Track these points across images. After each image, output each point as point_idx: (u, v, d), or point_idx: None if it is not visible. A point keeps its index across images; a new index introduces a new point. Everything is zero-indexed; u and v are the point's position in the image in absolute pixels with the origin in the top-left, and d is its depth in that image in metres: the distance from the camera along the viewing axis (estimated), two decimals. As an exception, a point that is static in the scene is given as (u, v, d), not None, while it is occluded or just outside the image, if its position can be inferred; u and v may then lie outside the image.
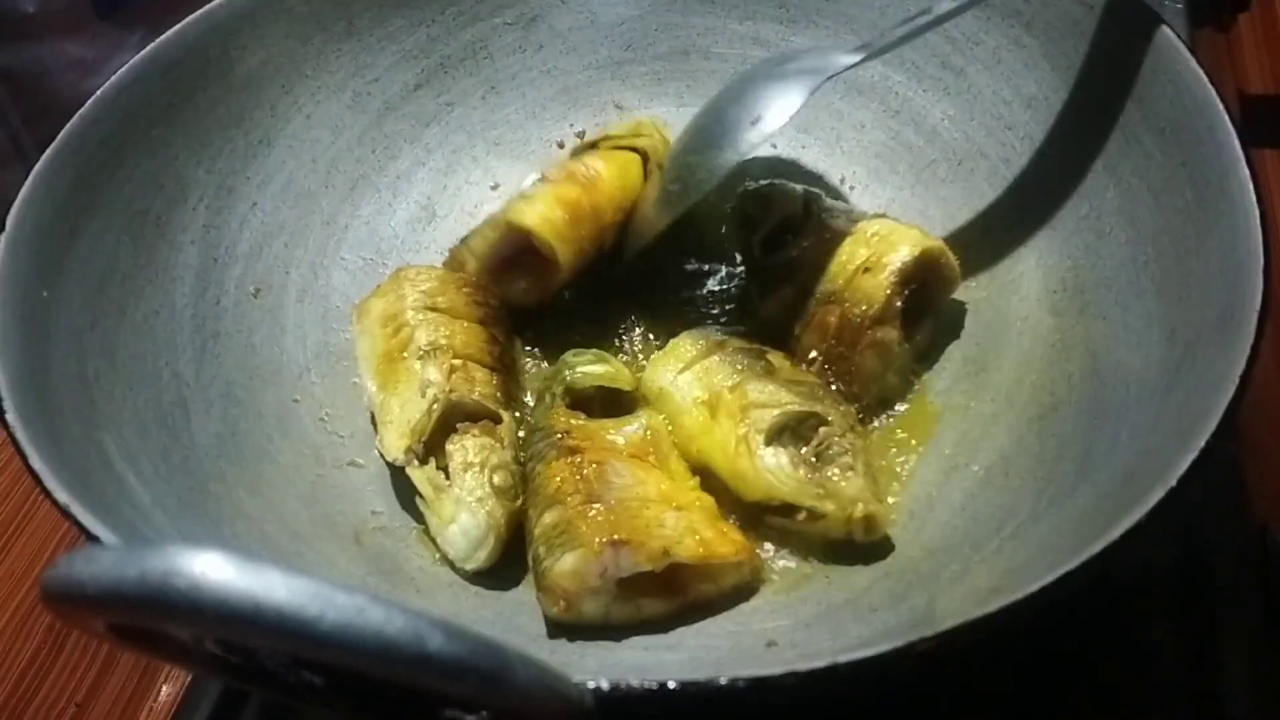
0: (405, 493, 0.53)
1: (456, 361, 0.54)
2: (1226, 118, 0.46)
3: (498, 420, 0.53)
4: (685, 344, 0.56)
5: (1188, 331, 0.44)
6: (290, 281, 0.60)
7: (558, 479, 0.49)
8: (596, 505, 0.47)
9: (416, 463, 0.51)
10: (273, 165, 0.61)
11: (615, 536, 0.45)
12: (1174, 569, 0.52)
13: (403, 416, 0.52)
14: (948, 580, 0.44)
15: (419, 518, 0.52)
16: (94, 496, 0.40)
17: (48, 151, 0.51)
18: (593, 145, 0.65)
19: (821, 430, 0.50)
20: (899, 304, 0.54)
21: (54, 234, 0.50)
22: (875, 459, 0.52)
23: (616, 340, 0.61)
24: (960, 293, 0.57)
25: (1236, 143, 0.45)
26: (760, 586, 0.48)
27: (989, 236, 0.58)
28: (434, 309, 0.56)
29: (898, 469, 0.52)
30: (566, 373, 0.56)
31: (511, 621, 0.48)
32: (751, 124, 0.53)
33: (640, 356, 0.60)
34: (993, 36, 0.58)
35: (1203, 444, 0.37)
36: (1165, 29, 0.50)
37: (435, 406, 0.51)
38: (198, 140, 0.58)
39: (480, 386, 0.53)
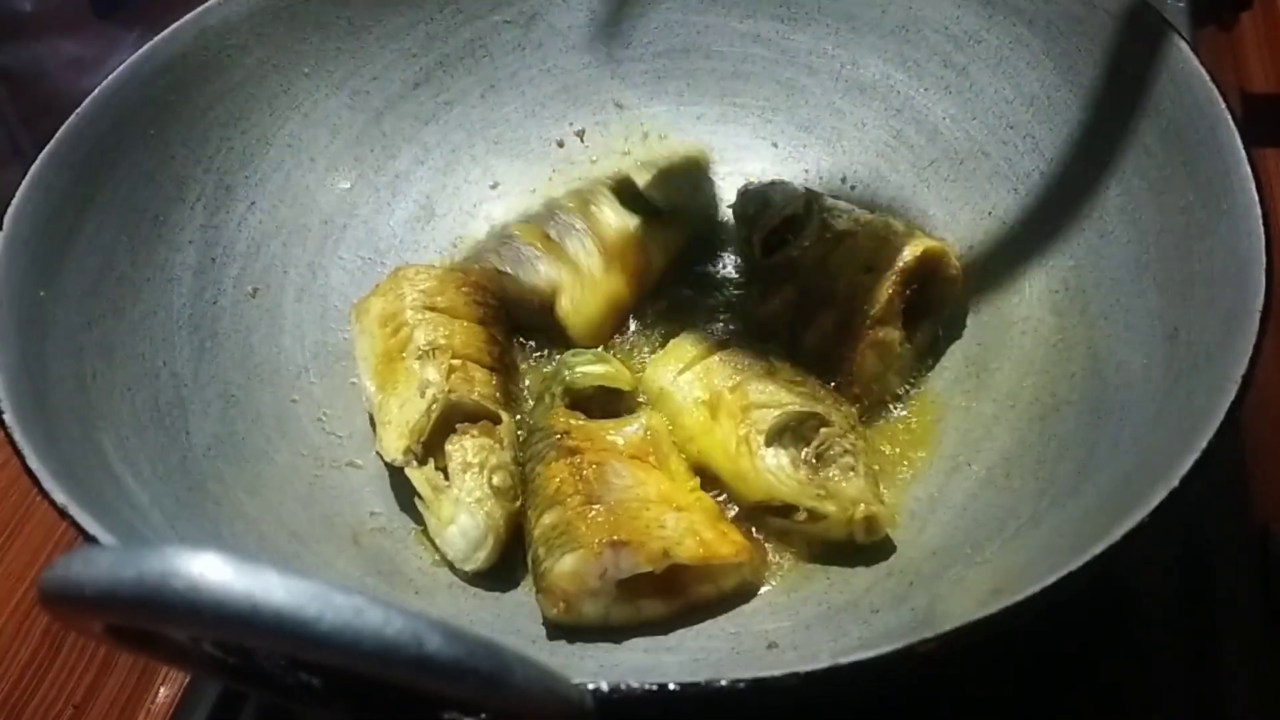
0: (404, 493, 0.53)
1: (456, 361, 0.54)
2: (1229, 117, 0.46)
3: (497, 420, 0.53)
4: (685, 344, 0.56)
5: (1190, 331, 0.44)
6: (288, 281, 0.60)
7: (557, 480, 0.49)
8: (596, 506, 0.47)
9: (415, 463, 0.51)
10: (271, 164, 0.61)
11: (615, 537, 0.45)
12: (1174, 569, 0.52)
13: (401, 417, 0.52)
14: (949, 581, 0.44)
15: (418, 519, 0.52)
16: (92, 497, 0.40)
17: (45, 150, 0.51)
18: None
19: (822, 431, 0.50)
20: (900, 304, 0.54)
21: (51, 233, 0.50)
22: (876, 460, 0.52)
23: (616, 340, 0.61)
24: (961, 293, 0.57)
25: (1239, 142, 0.45)
26: (761, 588, 0.48)
27: (990, 236, 0.58)
28: (433, 309, 0.56)
29: (899, 470, 0.52)
30: (566, 373, 0.55)
31: (510, 623, 0.48)
32: None
33: (640, 356, 0.60)
34: (995, 35, 0.58)
35: (1205, 444, 0.37)
36: (1168, 28, 0.50)
37: (434, 407, 0.51)
38: (195, 139, 0.58)
39: (479, 386, 0.53)
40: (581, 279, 0.59)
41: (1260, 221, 0.43)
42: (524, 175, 0.67)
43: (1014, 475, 0.48)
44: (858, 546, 0.48)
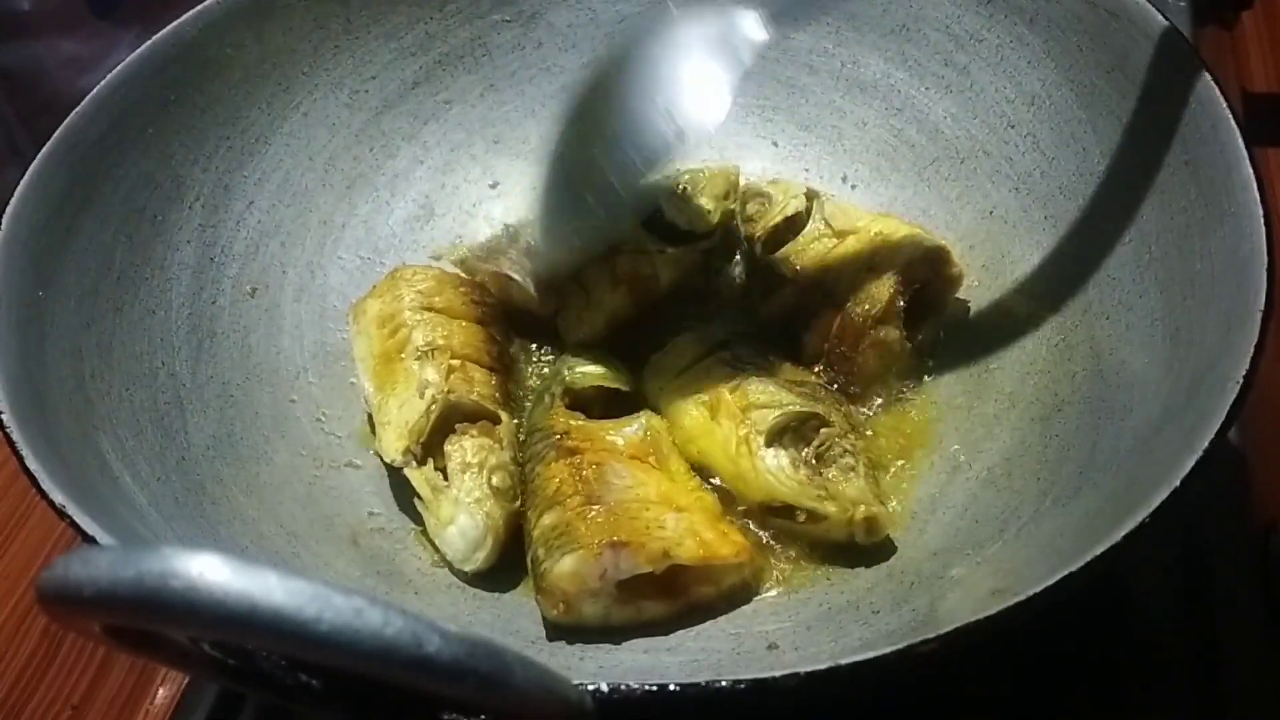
0: (403, 494, 0.53)
1: (455, 362, 0.53)
2: (1230, 116, 0.46)
3: (496, 421, 0.53)
4: (685, 344, 0.56)
5: (1191, 331, 0.44)
6: (287, 281, 0.60)
7: (557, 480, 0.49)
8: (596, 506, 0.47)
9: (415, 464, 0.51)
10: (269, 164, 0.61)
11: (615, 538, 0.45)
12: (1174, 569, 0.52)
13: (400, 417, 0.52)
14: (949, 582, 0.44)
15: (417, 519, 0.52)
16: (90, 497, 0.40)
17: (43, 150, 0.51)
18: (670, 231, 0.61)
19: (823, 431, 0.50)
20: (902, 304, 0.54)
21: (50, 233, 0.50)
22: (877, 460, 0.52)
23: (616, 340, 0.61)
24: (963, 292, 0.57)
25: (1240, 141, 0.45)
26: (761, 588, 0.48)
27: (991, 235, 0.58)
28: (431, 309, 0.56)
29: (899, 470, 0.52)
30: (566, 373, 0.55)
31: (510, 623, 0.48)
32: (675, 137, 0.46)
33: (640, 357, 0.60)
34: (995, 34, 0.58)
35: (1206, 445, 0.37)
36: (1169, 26, 0.50)
37: (433, 407, 0.51)
38: (194, 138, 0.58)
39: (479, 387, 0.53)
40: (587, 294, 0.58)
41: (1261, 221, 0.43)
42: (524, 175, 0.66)
43: (1015, 475, 0.48)
44: (858, 547, 0.48)
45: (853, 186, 0.64)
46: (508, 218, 0.65)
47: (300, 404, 0.56)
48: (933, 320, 0.56)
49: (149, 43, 0.57)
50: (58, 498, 0.38)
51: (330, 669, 0.24)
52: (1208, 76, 0.47)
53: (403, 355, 0.54)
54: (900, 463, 0.52)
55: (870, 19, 0.62)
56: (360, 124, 0.64)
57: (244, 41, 0.60)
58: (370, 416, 0.54)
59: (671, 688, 0.32)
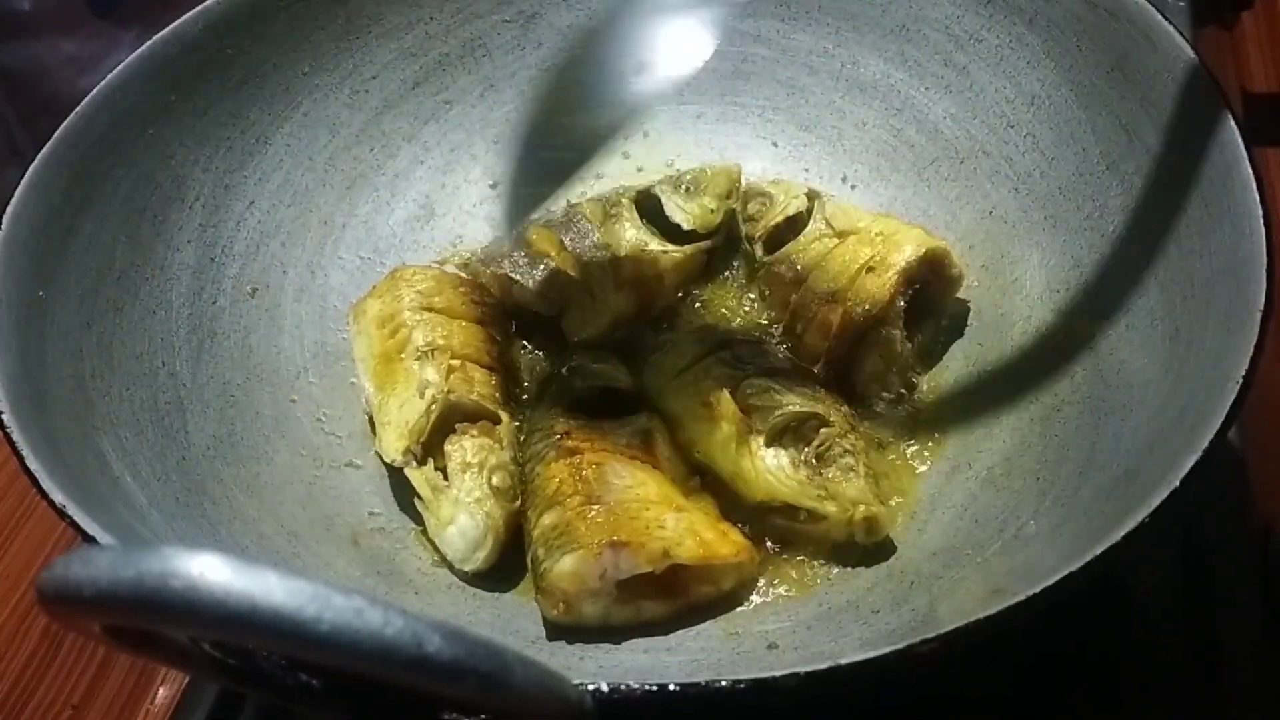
0: (403, 494, 0.53)
1: (455, 362, 0.53)
2: (1230, 116, 0.46)
3: (496, 421, 0.53)
4: (685, 344, 0.56)
5: (1191, 331, 0.44)
6: (287, 281, 0.60)
7: (557, 480, 0.49)
8: (596, 506, 0.47)
9: (415, 464, 0.51)
10: (270, 164, 0.61)
11: (615, 538, 0.45)
12: (1174, 569, 0.52)
13: (401, 417, 0.52)
14: (949, 582, 0.44)
15: (417, 519, 0.52)
16: (90, 497, 0.40)
17: (44, 150, 0.51)
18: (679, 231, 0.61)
19: (823, 431, 0.50)
20: (902, 304, 0.54)
21: (50, 233, 0.50)
22: (877, 460, 0.52)
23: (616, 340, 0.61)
24: (963, 292, 0.57)
25: (1240, 141, 0.45)
26: (761, 588, 0.48)
27: (991, 235, 0.58)
28: (431, 309, 0.56)
29: (899, 470, 0.52)
30: (566, 373, 0.55)
31: (510, 623, 0.48)
32: (635, 71, 0.45)
33: (640, 357, 0.60)
34: (995, 34, 0.58)
35: (1206, 445, 0.37)
36: (1168, 26, 0.50)
37: (434, 407, 0.51)
38: (194, 138, 0.58)
39: (479, 387, 0.53)
40: (590, 296, 0.59)
41: (1261, 221, 0.43)
42: (524, 175, 0.66)
43: (1015, 475, 0.48)
44: (858, 547, 0.48)
45: (852, 187, 0.64)
46: (508, 218, 0.65)
47: (301, 404, 0.56)
48: (933, 320, 0.56)
49: (149, 43, 0.57)
50: (58, 497, 0.38)
51: (330, 669, 0.24)
52: (1207, 77, 0.47)
53: (403, 355, 0.54)
54: (900, 463, 0.52)
55: (870, 19, 0.62)
56: (360, 124, 0.64)
57: (244, 42, 0.60)
58: (370, 417, 0.54)
59: (671, 688, 0.32)
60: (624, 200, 0.62)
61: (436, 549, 0.51)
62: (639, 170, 0.67)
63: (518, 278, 0.59)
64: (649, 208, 0.62)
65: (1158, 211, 0.49)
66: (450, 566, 0.50)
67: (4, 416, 0.41)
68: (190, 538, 0.45)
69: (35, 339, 0.46)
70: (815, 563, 0.49)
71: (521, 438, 0.54)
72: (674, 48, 0.45)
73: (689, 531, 0.46)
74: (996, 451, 0.50)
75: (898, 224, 0.56)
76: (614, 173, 0.66)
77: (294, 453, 0.54)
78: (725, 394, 0.51)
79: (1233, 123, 0.46)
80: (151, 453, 0.48)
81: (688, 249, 0.60)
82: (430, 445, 0.51)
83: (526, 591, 0.50)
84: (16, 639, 0.57)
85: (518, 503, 0.51)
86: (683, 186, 0.62)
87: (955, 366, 0.56)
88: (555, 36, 0.67)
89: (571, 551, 0.45)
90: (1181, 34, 0.50)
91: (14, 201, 0.49)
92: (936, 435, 0.53)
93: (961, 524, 0.48)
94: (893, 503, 0.50)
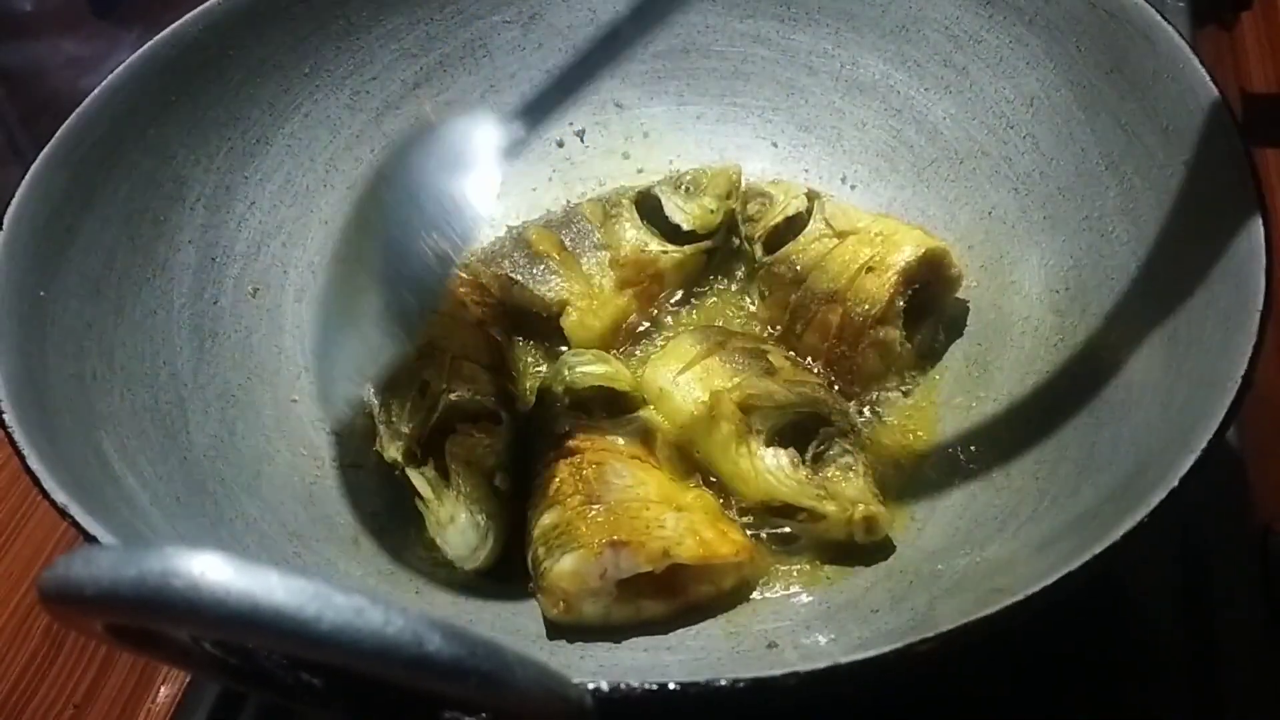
0: (404, 494, 0.53)
1: (456, 362, 0.53)
2: (1229, 116, 0.46)
3: (497, 420, 0.53)
4: (685, 344, 0.56)
5: (1190, 331, 0.44)
6: (288, 281, 0.60)
7: (557, 479, 0.49)
8: (596, 506, 0.47)
9: (415, 463, 0.51)
10: (271, 164, 0.61)
11: (615, 537, 0.45)
12: (1174, 569, 0.52)
13: (402, 417, 0.52)
14: (948, 581, 0.44)
15: (418, 519, 0.52)
16: (92, 497, 0.40)
17: (45, 150, 0.51)
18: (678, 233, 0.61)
19: (822, 431, 0.50)
20: (901, 304, 0.54)
21: (51, 233, 0.50)
22: (876, 460, 0.52)
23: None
24: (962, 292, 0.57)
25: (1239, 141, 0.45)
26: (760, 587, 0.48)
27: (991, 236, 0.58)
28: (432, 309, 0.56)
29: (899, 470, 0.52)
30: (566, 373, 0.55)
31: (511, 623, 0.48)
32: (439, 260, 0.44)
33: (640, 356, 0.60)
34: (995, 35, 0.58)
35: (1205, 445, 0.37)
36: (1167, 27, 0.50)
37: (434, 407, 0.51)
38: (195, 139, 0.58)
39: (479, 386, 0.53)
40: (591, 296, 0.59)
41: (1260, 221, 0.43)
42: (524, 175, 0.67)
43: (1013, 475, 0.48)
44: (857, 546, 0.48)
45: (852, 187, 0.64)
46: (508, 218, 0.65)
47: (302, 404, 0.56)
48: (932, 321, 0.56)
49: (150, 43, 0.57)
50: (60, 497, 0.38)
51: (331, 668, 0.24)
52: (1206, 77, 0.47)
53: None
54: (900, 463, 0.53)
55: (870, 20, 0.62)
56: (361, 125, 0.64)
57: (245, 42, 0.60)
58: (372, 416, 0.54)
59: (671, 687, 0.32)
60: (624, 201, 0.62)
61: (437, 548, 0.51)
62: (639, 171, 0.67)
63: (518, 278, 0.59)
64: (649, 208, 0.62)
65: (1157, 212, 0.49)
66: (450, 566, 0.50)
67: (5, 417, 0.41)
68: (191, 537, 0.45)
69: (36, 339, 0.47)
70: (814, 562, 0.49)
71: (522, 438, 0.54)
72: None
73: (689, 531, 0.46)
74: (995, 451, 0.50)
75: (897, 224, 0.56)
76: (614, 173, 0.67)
77: (295, 452, 0.54)
78: (725, 394, 0.51)
79: (1232, 123, 0.46)
80: (153, 452, 0.48)
81: (687, 249, 0.60)
82: (431, 445, 0.51)
83: (526, 591, 0.50)
84: (18, 639, 0.57)
85: (516, 501, 0.51)
86: (682, 187, 0.62)
87: (954, 367, 0.56)
88: (555, 37, 0.67)
89: (572, 551, 0.45)
90: (1181, 34, 0.50)
91: (14, 201, 0.49)
92: (936, 435, 0.53)
93: (961, 524, 0.48)
94: (891, 503, 0.50)
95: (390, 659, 0.23)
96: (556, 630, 0.47)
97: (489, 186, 0.44)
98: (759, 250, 0.59)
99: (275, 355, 0.57)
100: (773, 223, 0.59)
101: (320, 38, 0.62)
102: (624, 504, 0.47)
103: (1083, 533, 0.38)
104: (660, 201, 0.61)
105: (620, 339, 0.60)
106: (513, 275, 0.59)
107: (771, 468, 0.49)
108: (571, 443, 0.51)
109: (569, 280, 0.59)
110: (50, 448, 0.41)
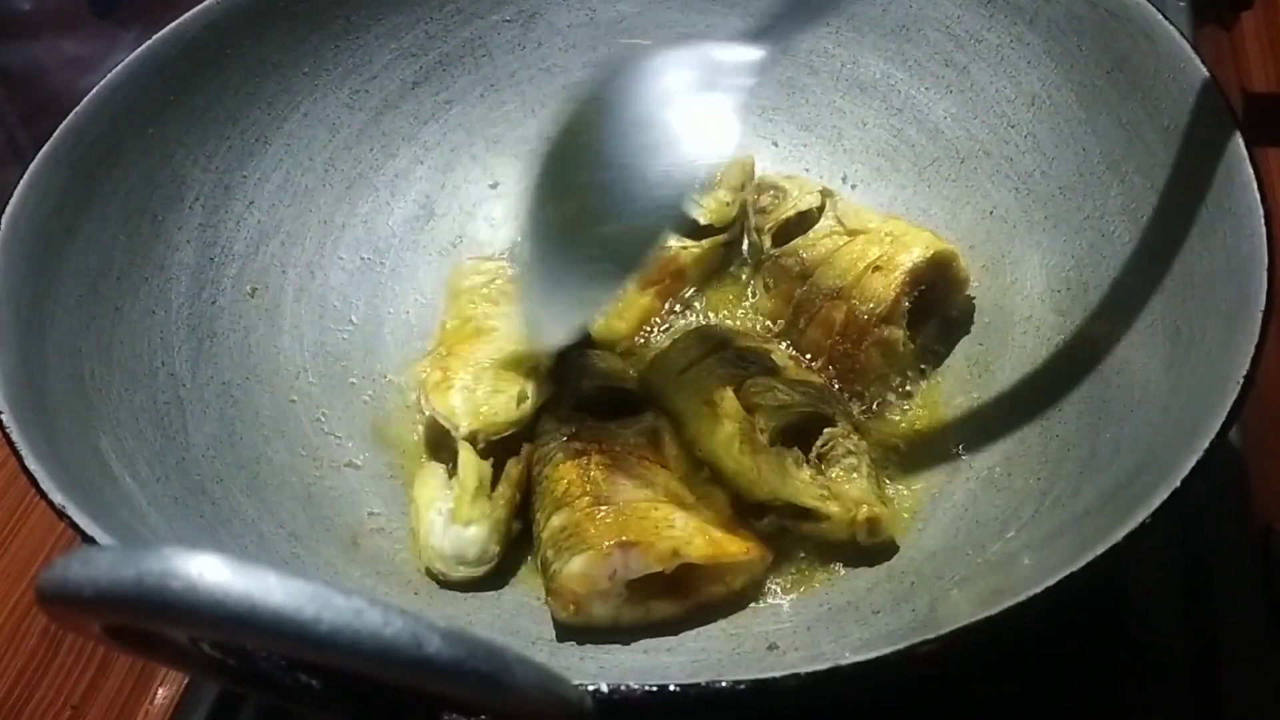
0: (404, 494, 0.52)
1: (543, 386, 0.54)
2: (1230, 116, 0.46)
3: (530, 439, 0.53)
4: (689, 342, 0.56)
5: (1191, 331, 0.44)
6: (287, 281, 0.60)
7: (565, 481, 0.49)
8: (604, 507, 0.47)
9: (477, 451, 0.50)
10: (269, 164, 0.61)
11: (624, 538, 0.45)
12: (1174, 569, 0.52)
13: (488, 401, 0.51)
14: (950, 582, 0.44)
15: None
16: (90, 498, 0.40)
17: (43, 150, 0.51)
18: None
19: (826, 431, 0.50)
20: (906, 304, 0.54)
21: (49, 233, 0.50)
22: (879, 460, 0.52)
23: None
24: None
25: (1240, 141, 0.45)
26: (763, 587, 0.48)
27: (992, 235, 0.58)
28: None
29: (900, 470, 0.52)
30: (571, 373, 0.55)
31: (510, 623, 0.48)
32: (685, 181, 0.41)
33: (645, 354, 0.59)
34: (995, 34, 0.58)
35: (1207, 445, 0.37)
36: (1168, 26, 0.50)
37: (518, 422, 0.51)
38: (194, 138, 0.58)
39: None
40: (615, 298, 0.59)
41: (1262, 221, 0.42)
42: (524, 175, 0.66)
43: (1015, 475, 0.48)
44: (859, 547, 0.48)
45: (853, 186, 0.64)
46: (508, 218, 0.65)
47: (300, 404, 0.56)
48: (936, 321, 0.56)
49: (149, 43, 0.56)
50: (57, 498, 0.38)
51: (330, 669, 0.24)
52: (1208, 76, 0.47)
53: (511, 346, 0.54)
54: (902, 462, 0.52)
55: (870, 19, 0.62)
56: (360, 124, 0.64)
57: (244, 41, 0.59)
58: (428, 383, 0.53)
59: (672, 688, 0.32)
60: None
61: (424, 535, 0.50)
62: (640, 171, 0.67)
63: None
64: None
65: (1158, 211, 0.49)
66: (444, 564, 0.50)
67: (3, 416, 0.41)
68: (190, 538, 0.45)
69: (35, 339, 0.46)
70: (816, 563, 0.49)
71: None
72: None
73: (698, 530, 0.46)
74: (997, 452, 0.50)
75: (907, 226, 0.56)
76: (614, 173, 0.66)
77: (294, 453, 0.54)
78: (728, 392, 0.51)
79: (1233, 122, 0.46)
80: (151, 453, 0.48)
81: (705, 243, 0.61)
82: (499, 445, 0.51)
83: (526, 591, 0.50)
84: (16, 639, 0.57)
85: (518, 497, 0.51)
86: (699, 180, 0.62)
87: (956, 366, 0.56)
88: (555, 36, 0.67)
89: (581, 552, 0.45)
90: (1181, 34, 0.49)
91: (14, 201, 0.48)
92: (938, 435, 0.53)
93: (962, 524, 0.48)
94: (893, 503, 0.50)
95: (389, 660, 0.23)
96: (556, 631, 0.47)
97: (731, 107, 0.41)
98: (767, 242, 0.59)
99: (274, 355, 0.57)
100: (784, 216, 0.59)
101: (319, 37, 0.62)
102: (632, 504, 0.47)
103: (1084, 533, 0.38)
104: None
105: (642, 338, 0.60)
106: None
107: (775, 467, 0.49)
108: (579, 444, 0.51)
109: None
110: (48, 448, 0.41)
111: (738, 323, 0.60)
